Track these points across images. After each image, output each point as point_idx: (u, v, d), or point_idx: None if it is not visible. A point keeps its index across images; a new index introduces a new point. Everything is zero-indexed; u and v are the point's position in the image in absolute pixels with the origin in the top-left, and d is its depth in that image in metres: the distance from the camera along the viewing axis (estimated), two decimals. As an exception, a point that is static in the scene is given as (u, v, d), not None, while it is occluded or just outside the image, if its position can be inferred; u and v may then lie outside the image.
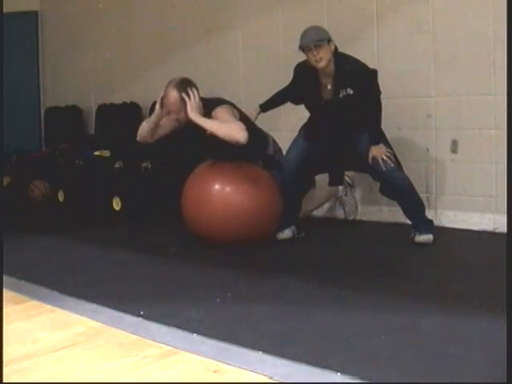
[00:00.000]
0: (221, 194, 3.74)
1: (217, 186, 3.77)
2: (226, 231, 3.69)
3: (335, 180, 4.32)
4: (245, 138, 3.50)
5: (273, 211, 3.84)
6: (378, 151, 3.69)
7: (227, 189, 3.77)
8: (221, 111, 3.69)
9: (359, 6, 4.51)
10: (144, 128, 3.87)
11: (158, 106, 3.77)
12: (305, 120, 4.89)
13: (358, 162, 3.87)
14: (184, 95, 3.64)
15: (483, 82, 3.96)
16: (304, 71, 3.78)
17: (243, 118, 3.78)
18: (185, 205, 3.87)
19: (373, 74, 3.70)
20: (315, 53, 3.56)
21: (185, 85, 3.69)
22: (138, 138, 3.92)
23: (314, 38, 3.58)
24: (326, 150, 3.90)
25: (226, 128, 3.56)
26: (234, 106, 3.87)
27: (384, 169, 3.68)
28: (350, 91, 3.64)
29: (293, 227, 4.00)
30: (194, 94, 3.66)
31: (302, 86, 3.84)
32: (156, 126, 3.83)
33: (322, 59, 3.56)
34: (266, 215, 3.79)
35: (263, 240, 3.77)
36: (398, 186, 3.75)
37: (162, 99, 3.73)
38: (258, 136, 3.96)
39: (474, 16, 3.97)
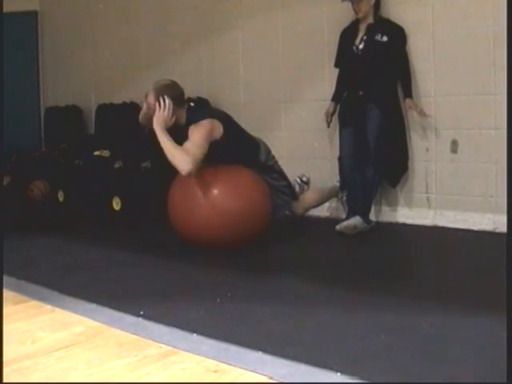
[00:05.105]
0: (207, 197, 3.66)
1: (203, 189, 3.68)
2: (215, 234, 3.65)
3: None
4: (186, 172, 3.53)
5: (262, 212, 3.81)
6: (413, 104, 4.13)
7: (214, 191, 3.68)
8: (194, 130, 3.68)
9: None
10: (141, 118, 3.94)
11: (144, 103, 3.86)
12: (304, 120, 4.90)
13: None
14: (156, 104, 3.69)
15: (483, 82, 3.96)
16: (346, 30, 4.31)
17: (229, 132, 3.77)
18: (171, 210, 3.83)
19: (405, 35, 4.19)
20: (354, 6, 4.16)
21: (163, 91, 3.73)
22: (139, 124, 3.98)
23: None
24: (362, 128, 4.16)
25: (174, 155, 3.57)
26: (223, 118, 3.85)
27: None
28: (385, 38, 4.09)
29: (357, 217, 4.09)
30: (165, 104, 3.68)
31: (343, 41, 4.32)
32: (149, 116, 3.86)
33: (361, 11, 4.15)
34: (254, 217, 3.73)
35: (258, 241, 3.74)
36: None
37: (145, 97, 3.82)
38: (246, 146, 3.98)
39: (474, 16, 3.97)
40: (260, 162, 4.04)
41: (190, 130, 3.69)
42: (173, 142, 3.61)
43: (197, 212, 3.69)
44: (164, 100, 3.69)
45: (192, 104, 3.86)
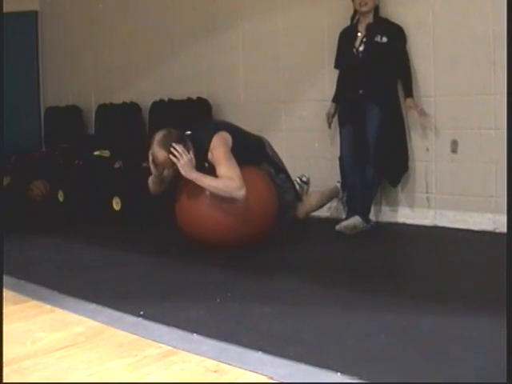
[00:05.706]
0: (215, 196, 3.62)
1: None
2: (221, 233, 3.64)
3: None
4: (243, 195, 3.54)
5: (269, 212, 3.82)
6: (414, 103, 4.12)
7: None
8: (215, 154, 3.65)
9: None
10: (152, 185, 3.88)
11: (152, 167, 3.75)
12: (304, 120, 4.90)
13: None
14: (171, 157, 3.60)
15: (483, 82, 3.96)
16: (345, 31, 4.30)
17: (234, 136, 3.77)
18: (179, 209, 3.82)
19: (405, 35, 4.18)
20: None
21: (169, 141, 3.62)
22: (151, 193, 3.93)
23: None
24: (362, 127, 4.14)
25: (222, 189, 3.55)
26: (222, 126, 3.85)
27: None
28: (384, 39, 4.08)
29: (357, 217, 4.09)
30: (179, 151, 3.60)
31: (342, 43, 4.29)
32: (160, 181, 3.84)
33: (367, 4, 4.11)
34: (262, 216, 3.73)
35: (259, 241, 3.74)
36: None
37: (153, 160, 3.70)
38: (252, 143, 4.00)
39: (474, 16, 3.97)
40: (268, 155, 4.08)
41: (211, 158, 3.67)
42: (213, 178, 3.59)
43: (204, 211, 3.68)
44: (175, 148, 3.61)
45: (188, 132, 3.82)
